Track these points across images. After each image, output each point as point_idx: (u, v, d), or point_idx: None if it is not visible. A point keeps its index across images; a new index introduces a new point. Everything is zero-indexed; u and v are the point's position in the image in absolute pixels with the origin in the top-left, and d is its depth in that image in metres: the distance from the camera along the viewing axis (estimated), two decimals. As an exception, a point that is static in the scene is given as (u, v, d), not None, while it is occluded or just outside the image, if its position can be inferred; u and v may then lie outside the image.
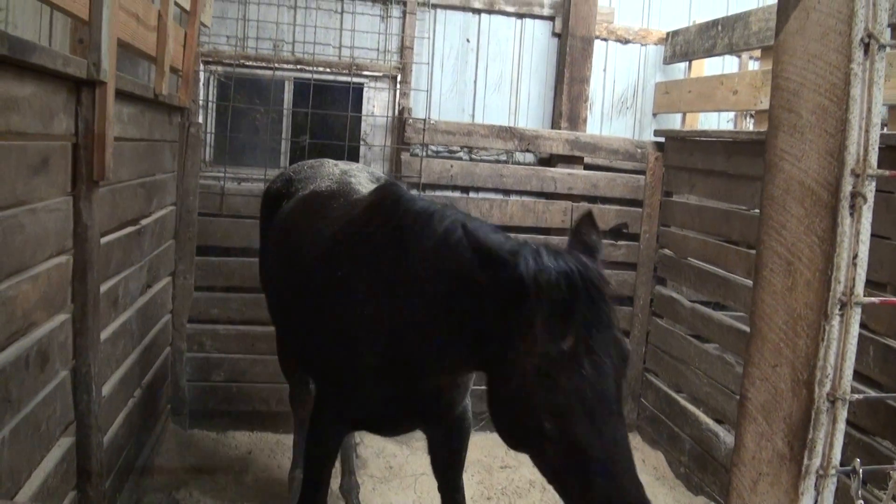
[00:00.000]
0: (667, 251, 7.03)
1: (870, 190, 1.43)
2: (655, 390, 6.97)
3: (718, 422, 6.08)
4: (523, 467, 6.26)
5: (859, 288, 1.45)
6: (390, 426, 4.18)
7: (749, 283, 5.68)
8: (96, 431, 3.70)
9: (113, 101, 3.48)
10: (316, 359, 4.05)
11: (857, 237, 1.44)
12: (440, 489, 4.30)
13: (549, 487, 6.04)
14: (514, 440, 3.04)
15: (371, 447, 6.44)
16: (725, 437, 5.82)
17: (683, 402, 6.52)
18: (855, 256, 1.44)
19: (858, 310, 1.44)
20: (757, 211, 5.91)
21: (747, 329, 5.43)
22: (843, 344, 1.46)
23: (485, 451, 6.52)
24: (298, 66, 6.68)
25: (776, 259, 1.56)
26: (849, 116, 1.42)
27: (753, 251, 5.67)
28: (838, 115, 1.44)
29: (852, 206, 1.43)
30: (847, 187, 1.43)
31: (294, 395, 5.66)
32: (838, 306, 1.45)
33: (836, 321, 1.45)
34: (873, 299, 1.48)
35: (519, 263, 2.80)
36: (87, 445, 3.64)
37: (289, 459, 5.79)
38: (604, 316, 2.74)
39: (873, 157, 1.43)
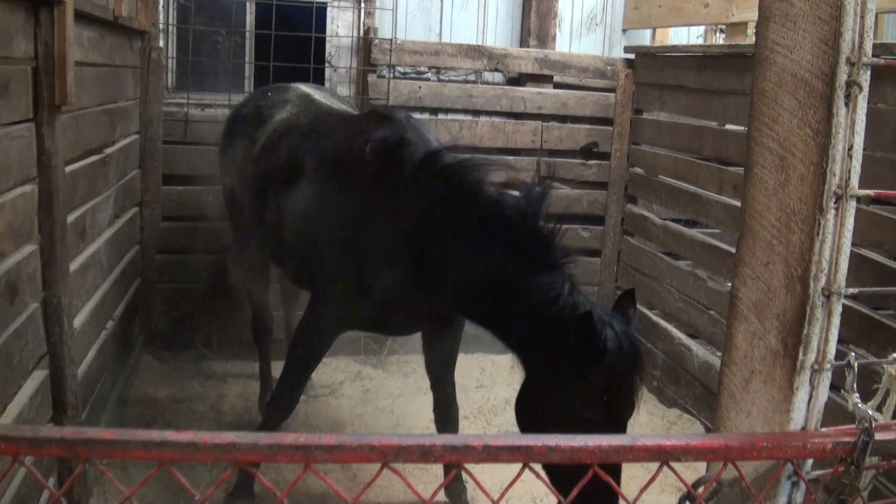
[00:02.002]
0: (638, 169, 7.01)
1: (865, 79, 1.40)
2: (628, 308, 7.02)
3: (691, 336, 6.14)
4: (497, 386, 6.32)
5: (854, 180, 1.42)
6: (396, 328, 4.49)
7: (721, 199, 5.70)
8: (70, 363, 3.64)
9: (73, 23, 3.35)
10: (337, 269, 4.16)
11: (852, 128, 1.41)
12: (434, 385, 4.65)
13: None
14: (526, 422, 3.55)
15: (347, 371, 6.46)
16: (698, 350, 5.90)
17: (656, 318, 6.58)
18: (850, 148, 1.40)
19: (853, 202, 1.42)
20: (729, 126, 5.89)
21: (719, 245, 5.44)
22: (838, 237, 1.44)
23: (461, 371, 6.51)
24: (259, -13, 6.49)
25: (768, 155, 1.53)
26: (843, 2, 1.37)
27: (725, 167, 5.72)
28: (832, 0, 1.39)
29: (847, 96, 1.40)
30: (842, 76, 1.39)
31: (257, 322, 5.60)
32: (833, 199, 1.42)
33: (831, 214, 1.42)
34: (868, 192, 1.45)
35: (609, 342, 3.16)
36: (61, 378, 3.59)
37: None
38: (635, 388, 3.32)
39: (868, 45, 1.39)
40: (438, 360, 4.62)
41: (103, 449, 1.20)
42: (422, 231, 3.79)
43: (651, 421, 5.89)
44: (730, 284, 5.49)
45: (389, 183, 3.92)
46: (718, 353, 5.85)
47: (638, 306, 6.74)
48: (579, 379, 3.18)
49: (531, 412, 3.48)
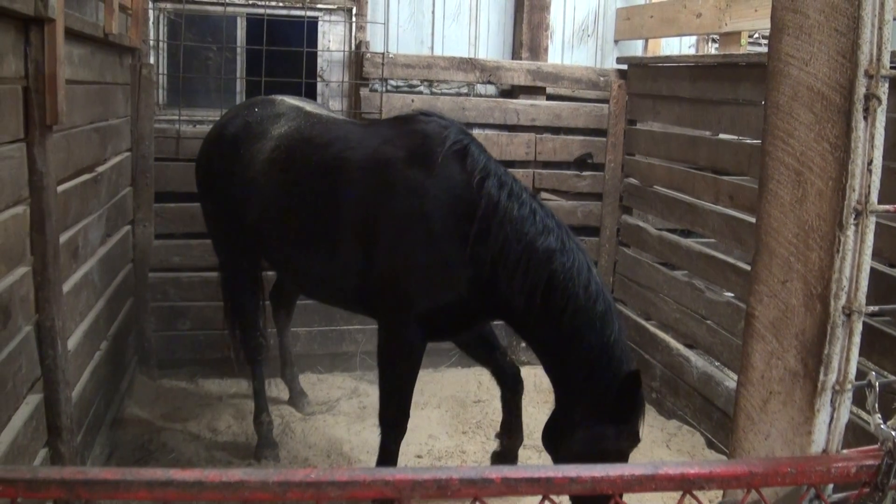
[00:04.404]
0: (632, 180, 6.99)
1: (884, 91, 1.36)
2: (624, 319, 6.97)
3: (689, 347, 6.10)
4: (496, 401, 6.24)
5: (874, 195, 1.38)
6: (464, 330, 4.72)
7: (716, 208, 5.67)
8: (64, 386, 3.58)
9: (63, 41, 3.30)
10: (403, 279, 4.34)
11: (871, 142, 1.37)
12: (493, 359, 4.97)
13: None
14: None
15: (343, 388, 6.40)
16: (696, 361, 5.86)
17: (653, 329, 6.54)
18: (870, 162, 1.37)
19: (874, 218, 1.38)
20: (722, 136, 5.87)
21: (716, 254, 5.39)
22: (858, 254, 1.40)
23: (458, 386, 6.51)
24: (250, 2, 6.45)
25: (783, 170, 1.49)
26: (861, 13, 1.34)
27: (720, 177, 5.70)
28: (849, 11, 1.35)
29: (866, 109, 1.36)
30: (861, 89, 1.35)
31: (249, 341, 5.47)
32: (853, 215, 1.38)
33: (851, 231, 1.39)
34: (888, 207, 1.41)
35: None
36: (55, 401, 3.53)
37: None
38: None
39: (886, 56, 1.36)
40: (490, 345, 4.93)
41: (105, 490, 1.15)
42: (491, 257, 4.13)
43: (651, 433, 5.83)
44: (727, 294, 5.43)
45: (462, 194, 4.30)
46: (717, 364, 5.81)
47: (635, 317, 6.77)
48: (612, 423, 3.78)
49: (565, 443, 3.97)
